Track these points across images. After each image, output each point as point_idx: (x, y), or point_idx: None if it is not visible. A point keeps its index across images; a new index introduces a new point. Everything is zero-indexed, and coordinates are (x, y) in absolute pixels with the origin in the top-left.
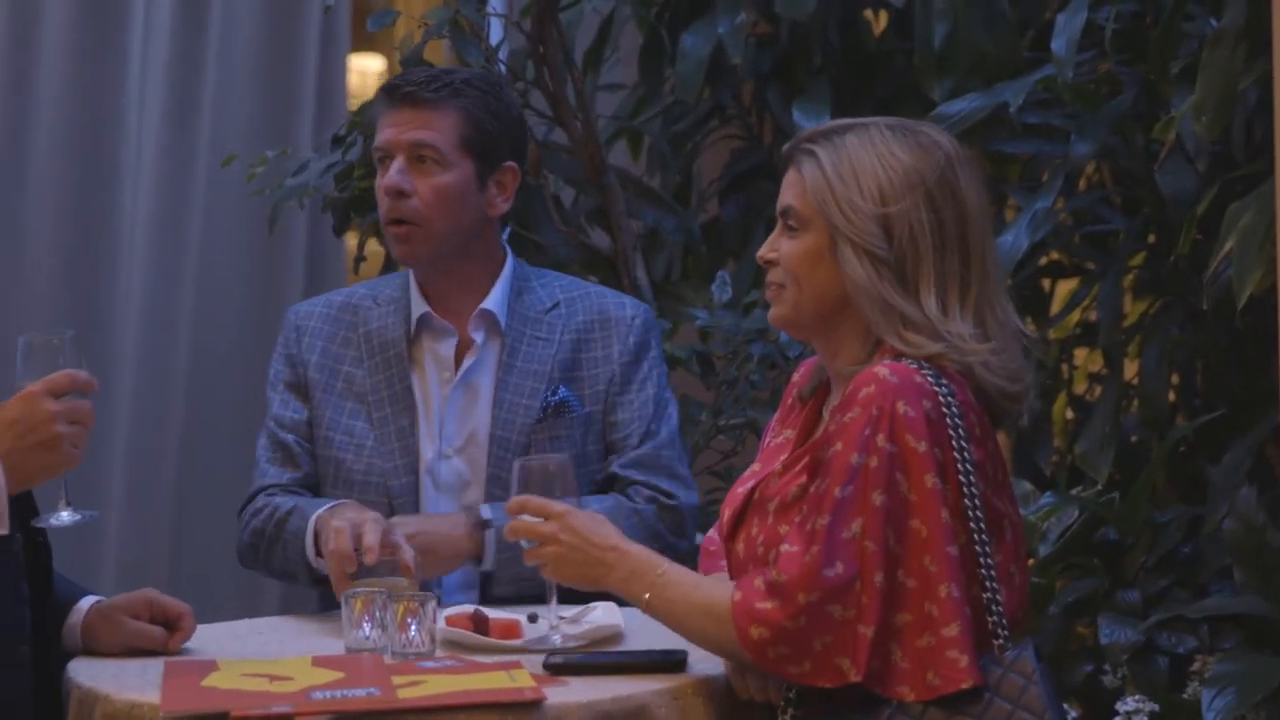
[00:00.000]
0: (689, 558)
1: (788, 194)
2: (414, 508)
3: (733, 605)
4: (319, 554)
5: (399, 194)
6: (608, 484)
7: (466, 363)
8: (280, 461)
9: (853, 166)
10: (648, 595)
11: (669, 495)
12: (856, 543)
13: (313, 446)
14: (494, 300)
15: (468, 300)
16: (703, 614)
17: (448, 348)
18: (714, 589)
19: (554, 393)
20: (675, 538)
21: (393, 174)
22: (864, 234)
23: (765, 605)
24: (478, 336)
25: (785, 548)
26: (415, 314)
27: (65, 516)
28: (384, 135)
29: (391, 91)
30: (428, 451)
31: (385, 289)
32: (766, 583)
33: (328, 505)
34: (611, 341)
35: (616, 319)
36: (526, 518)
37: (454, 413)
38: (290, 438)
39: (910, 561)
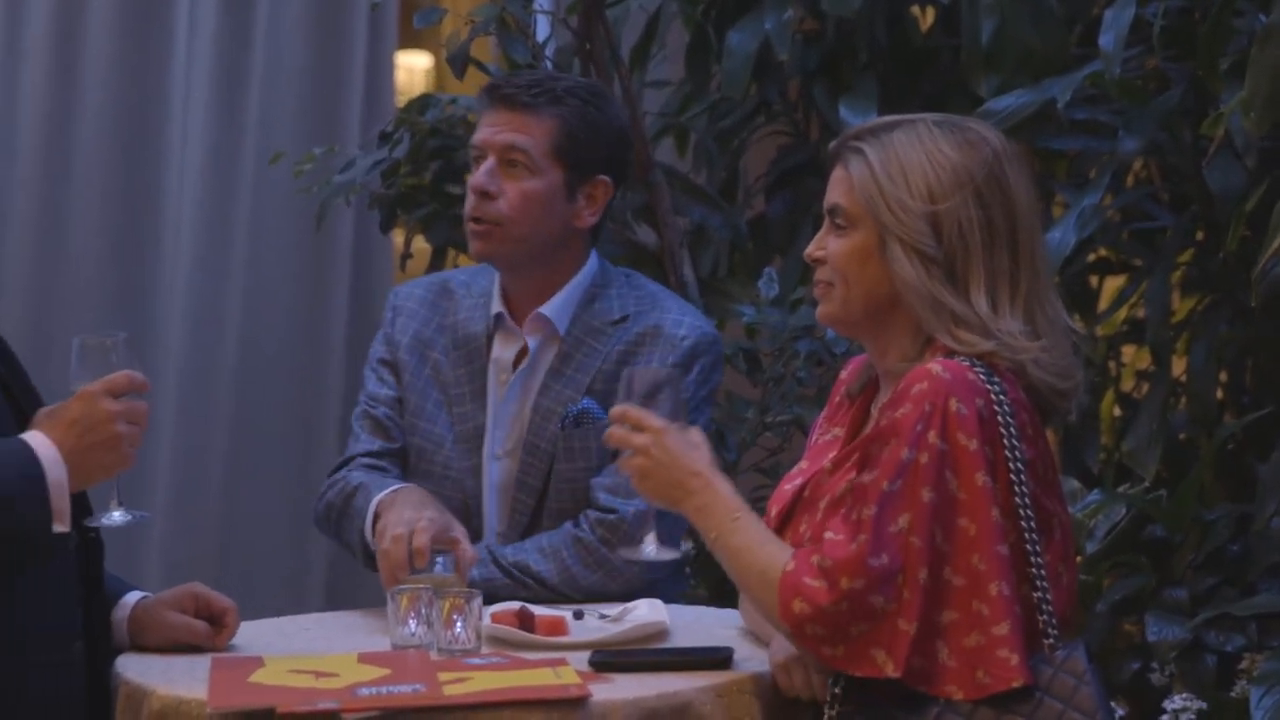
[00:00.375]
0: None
1: (835, 192)
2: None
3: (783, 575)
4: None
5: (484, 194)
6: None
7: (521, 366)
8: (371, 430)
9: (901, 164)
10: (714, 534)
11: (610, 513)
12: (903, 537)
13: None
14: (553, 306)
15: (537, 305)
16: (758, 574)
17: (510, 350)
18: (775, 553)
19: (578, 403)
20: (612, 557)
21: (481, 174)
22: (913, 232)
23: (813, 583)
24: (532, 341)
25: (829, 535)
26: (493, 311)
27: (118, 517)
28: (479, 134)
29: (492, 92)
30: (488, 450)
31: (480, 279)
32: (819, 562)
33: (391, 488)
34: (652, 359)
35: (667, 336)
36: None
37: (506, 415)
38: (382, 411)
39: (958, 559)
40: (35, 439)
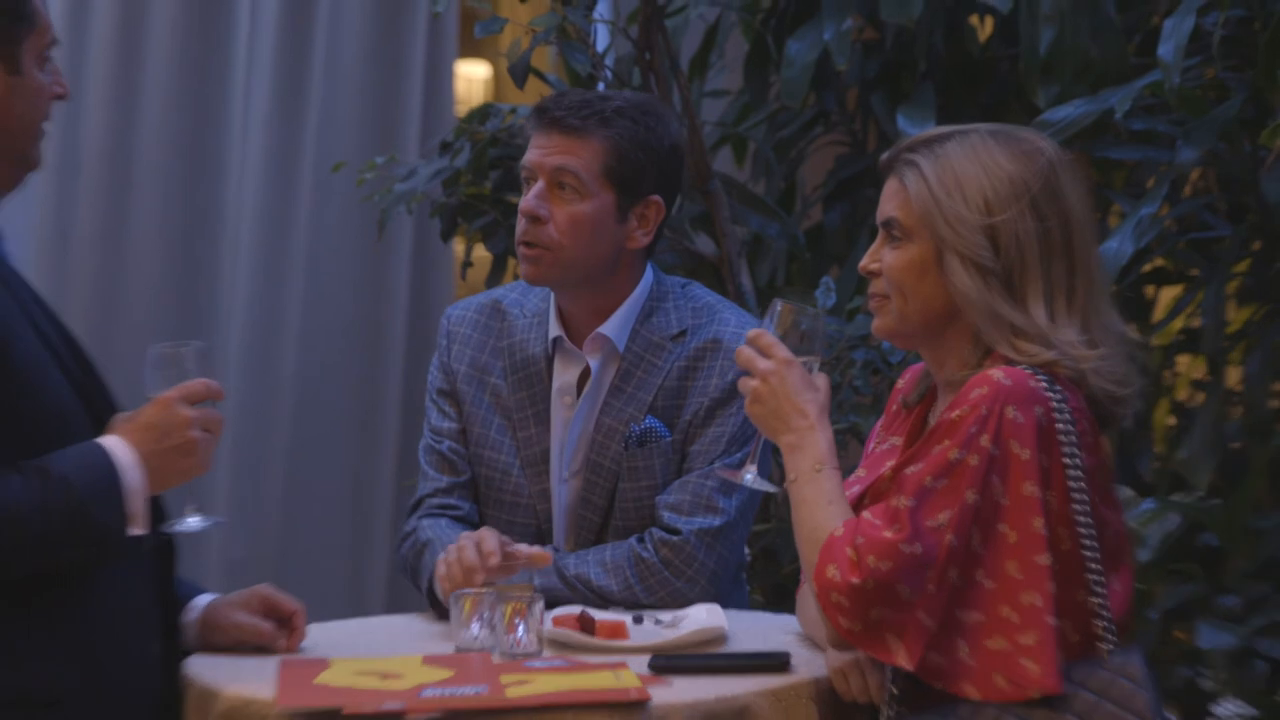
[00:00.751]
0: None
1: (889, 205)
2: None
3: (829, 538)
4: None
5: (534, 218)
6: None
7: (586, 389)
8: (438, 466)
9: (956, 177)
10: (794, 477)
11: (673, 533)
12: (940, 533)
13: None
14: (612, 325)
15: (595, 325)
16: (811, 529)
17: (572, 373)
18: (834, 515)
19: (642, 422)
20: (671, 575)
21: (530, 198)
22: (971, 245)
23: (849, 554)
24: (594, 362)
25: (866, 515)
26: (551, 335)
27: (193, 522)
28: (529, 156)
29: (541, 114)
30: (555, 473)
31: (531, 296)
32: (856, 538)
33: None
34: (713, 373)
35: (727, 348)
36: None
37: (573, 437)
38: (446, 445)
39: (991, 563)
40: (112, 443)
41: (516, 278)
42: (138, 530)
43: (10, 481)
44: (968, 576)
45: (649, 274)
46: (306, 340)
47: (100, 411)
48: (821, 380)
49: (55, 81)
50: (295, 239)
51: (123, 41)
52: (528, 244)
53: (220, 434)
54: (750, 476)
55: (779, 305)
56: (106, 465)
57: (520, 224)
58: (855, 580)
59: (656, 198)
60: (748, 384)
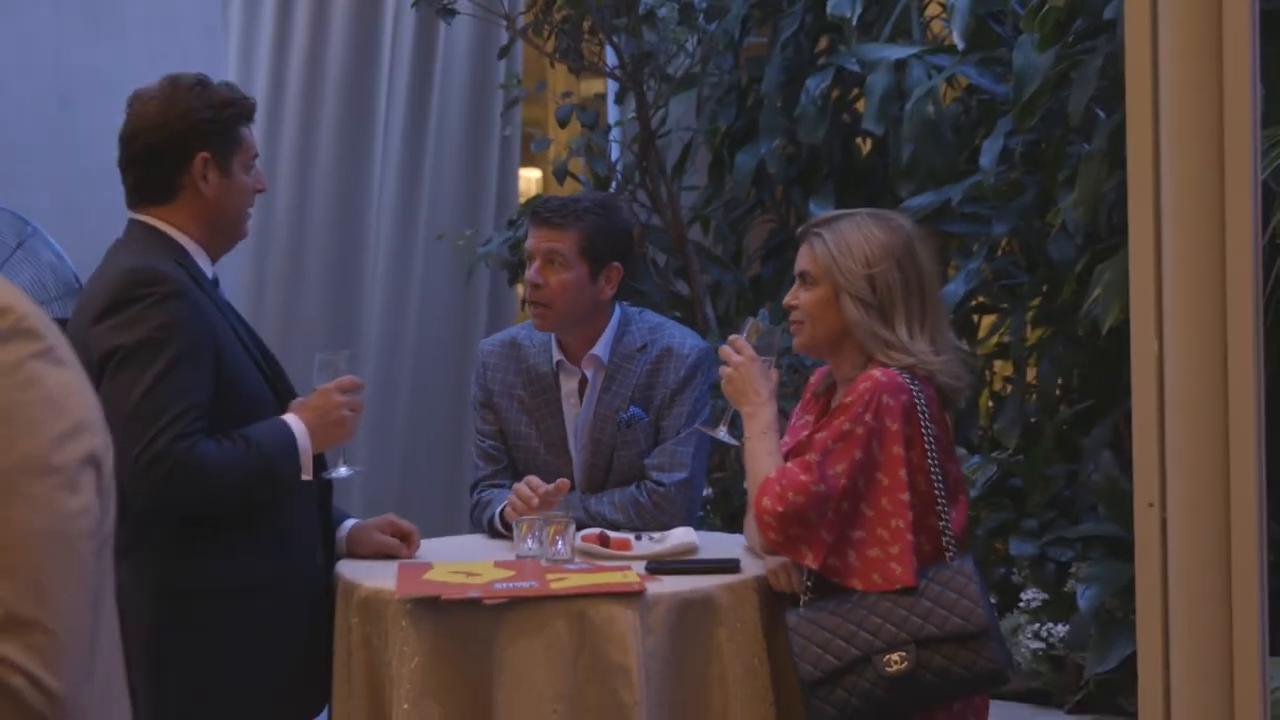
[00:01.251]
0: (677, 521)
1: (803, 261)
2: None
3: (764, 479)
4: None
5: (535, 286)
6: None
7: (586, 394)
8: (484, 459)
9: (847, 242)
10: (749, 436)
11: (660, 485)
12: (837, 479)
13: (505, 447)
14: (599, 347)
15: (584, 350)
16: (754, 472)
17: (574, 383)
18: (770, 464)
19: (627, 410)
20: (658, 512)
21: (532, 272)
22: (858, 288)
23: (776, 489)
24: (589, 373)
25: (789, 465)
26: (554, 358)
27: (343, 471)
28: (529, 242)
29: (535, 214)
30: (572, 449)
31: (538, 334)
32: (780, 480)
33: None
34: (670, 370)
35: (677, 354)
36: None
37: (580, 425)
38: (489, 444)
39: (870, 499)
40: (291, 419)
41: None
42: (306, 477)
43: (224, 445)
44: (854, 507)
45: (616, 310)
46: (420, 349)
47: (283, 397)
48: (773, 375)
49: (256, 180)
50: (413, 281)
51: (301, 146)
52: (535, 303)
53: (361, 412)
54: (723, 433)
55: (750, 322)
56: (286, 433)
57: (528, 288)
58: (780, 509)
59: (617, 264)
60: (725, 370)
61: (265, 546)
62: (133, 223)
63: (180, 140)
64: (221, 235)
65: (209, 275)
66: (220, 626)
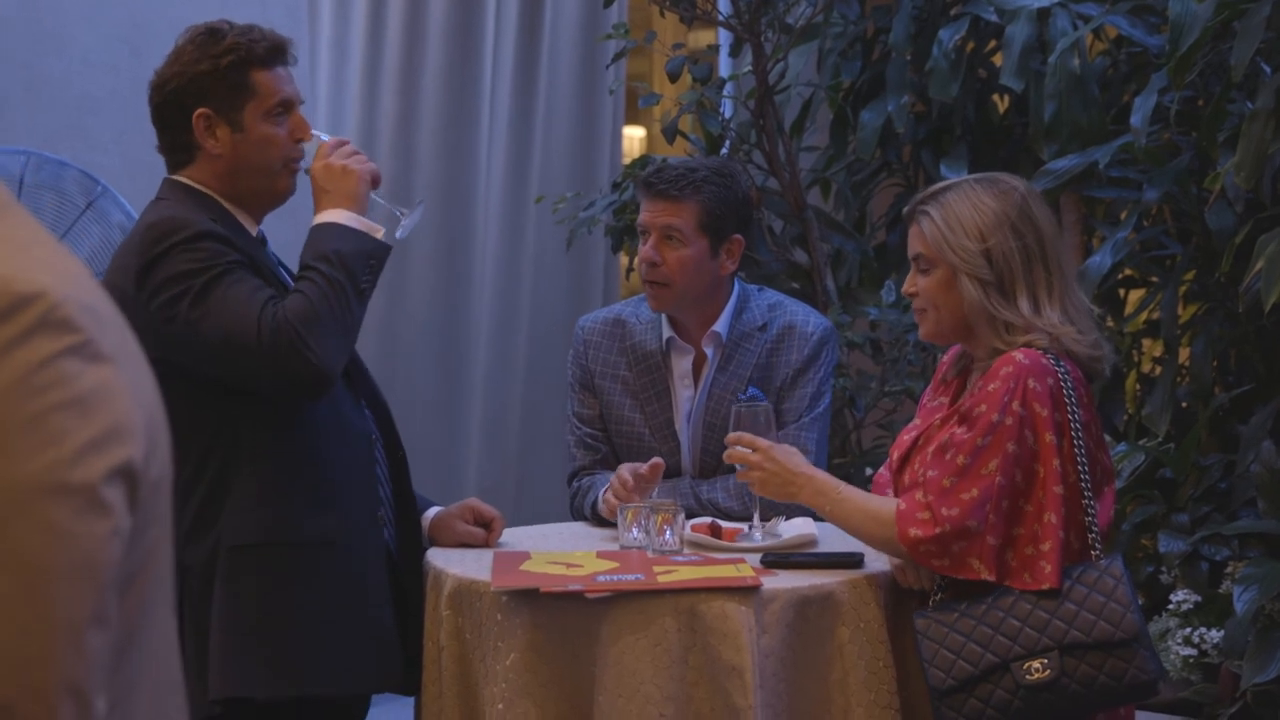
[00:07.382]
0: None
1: (915, 244)
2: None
3: (897, 513)
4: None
5: (652, 264)
6: None
7: (704, 372)
8: (580, 446)
9: (957, 217)
10: (829, 508)
11: None
12: (991, 477)
13: (605, 433)
14: (721, 324)
15: (701, 328)
16: (871, 519)
17: (687, 362)
18: (882, 502)
19: (745, 392)
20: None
21: (648, 249)
22: (974, 266)
23: (921, 515)
24: (709, 350)
25: (930, 473)
26: (664, 336)
27: (410, 215)
28: (643, 217)
29: (649, 186)
30: (681, 429)
31: (644, 310)
32: (922, 498)
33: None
34: (793, 350)
35: (800, 332)
36: (741, 449)
37: (698, 405)
38: (586, 431)
39: (1029, 493)
40: (316, 219)
41: None
42: (379, 236)
43: (301, 284)
44: (1015, 504)
45: (736, 285)
46: (534, 316)
47: (356, 384)
48: (790, 446)
49: (293, 129)
50: (524, 251)
51: (403, 109)
52: (651, 282)
53: (363, 157)
54: (758, 535)
55: (733, 409)
56: (325, 229)
57: (642, 268)
58: (935, 531)
59: (738, 236)
60: (749, 475)
61: (339, 512)
62: (164, 182)
63: (175, 99)
64: (252, 194)
65: (252, 234)
66: (273, 579)
